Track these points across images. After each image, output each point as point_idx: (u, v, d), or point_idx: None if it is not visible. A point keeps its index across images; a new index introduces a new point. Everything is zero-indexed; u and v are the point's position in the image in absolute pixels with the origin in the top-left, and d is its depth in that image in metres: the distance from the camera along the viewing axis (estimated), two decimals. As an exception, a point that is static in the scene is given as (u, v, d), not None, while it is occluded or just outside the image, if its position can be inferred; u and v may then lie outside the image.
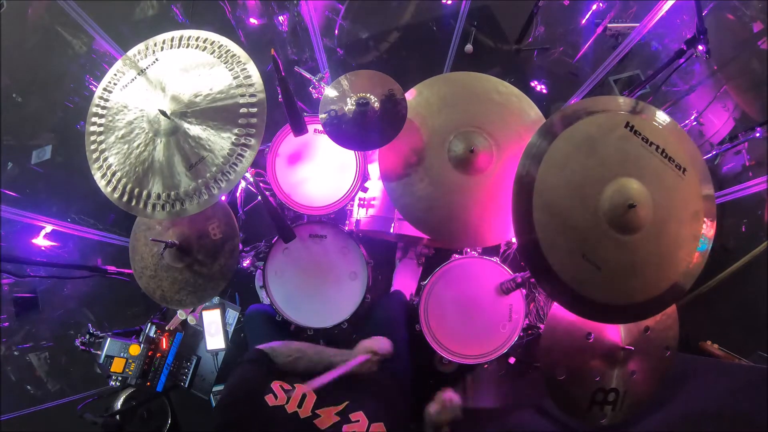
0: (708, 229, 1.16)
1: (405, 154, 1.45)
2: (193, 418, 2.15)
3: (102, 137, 1.39)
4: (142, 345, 1.83)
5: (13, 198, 2.68)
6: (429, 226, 1.44)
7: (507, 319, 1.67)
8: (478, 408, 2.05)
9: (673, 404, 1.45)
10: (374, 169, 1.76)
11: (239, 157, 1.28)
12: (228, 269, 1.52)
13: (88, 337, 1.83)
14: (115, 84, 1.43)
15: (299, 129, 1.46)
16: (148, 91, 1.39)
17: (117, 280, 1.97)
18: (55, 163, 2.78)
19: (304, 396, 1.03)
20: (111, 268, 1.92)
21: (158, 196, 1.32)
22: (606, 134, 1.16)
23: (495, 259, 1.72)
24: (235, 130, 1.29)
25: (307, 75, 1.72)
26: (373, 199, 1.82)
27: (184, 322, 1.96)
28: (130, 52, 1.46)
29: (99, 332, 1.85)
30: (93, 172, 1.38)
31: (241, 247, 1.73)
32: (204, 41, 1.41)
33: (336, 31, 2.73)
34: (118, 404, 2.00)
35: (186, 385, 1.89)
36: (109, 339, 1.82)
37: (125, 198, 1.34)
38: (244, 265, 2.01)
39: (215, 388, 1.93)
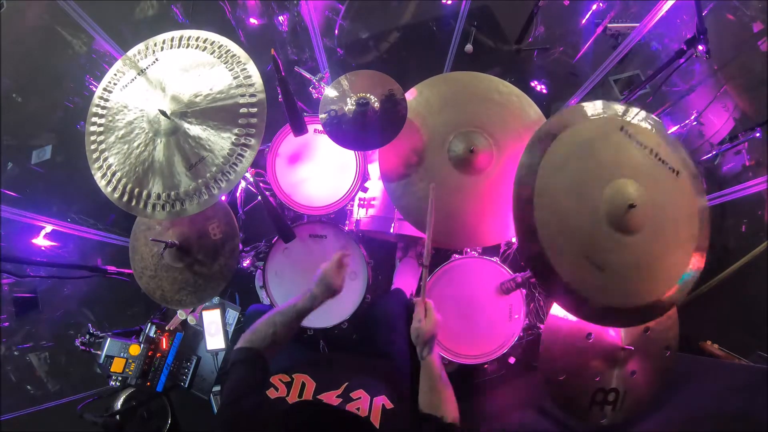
0: (696, 262, 1.17)
1: (405, 154, 1.45)
2: (193, 418, 2.14)
3: (102, 137, 1.39)
4: (142, 345, 1.82)
5: (13, 198, 2.67)
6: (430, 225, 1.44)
7: (507, 319, 1.67)
8: (478, 408, 2.05)
9: (673, 404, 1.45)
10: (374, 169, 1.76)
11: (239, 157, 1.28)
12: (228, 269, 1.52)
13: (88, 337, 1.83)
14: (115, 84, 1.43)
15: (299, 129, 1.46)
16: (148, 91, 1.39)
17: (117, 280, 1.97)
18: (55, 163, 2.78)
19: (303, 385, 1.03)
20: (111, 268, 1.92)
21: (158, 196, 1.32)
22: (602, 137, 1.18)
23: (495, 259, 1.72)
24: (235, 130, 1.29)
25: (307, 75, 1.72)
26: (373, 199, 1.82)
27: (184, 322, 1.96)
28: (130, 52, 1.46)
29: (99, 332, 1.85)
30: (93, 172, 1.38)
31: (241, 247, 1.73)
32: (204, 41, 1.41)
33: (336, 31, 2.73)
34: (118, 404, 2.00)
35: (186, 385, 1.89)
36: (109, 339, 1.82)
37: (125, 198, 1.34)
38: (244, 265, 2.01)
39: (215, 388, 1.92)
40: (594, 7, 2.61)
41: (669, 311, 1.33)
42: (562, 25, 2.68)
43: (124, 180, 1.34)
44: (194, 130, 1.32)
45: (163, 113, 1.30)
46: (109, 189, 1.36)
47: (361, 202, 1.84)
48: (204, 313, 1.93)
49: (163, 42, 1.44)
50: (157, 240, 1.48)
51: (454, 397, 1.10)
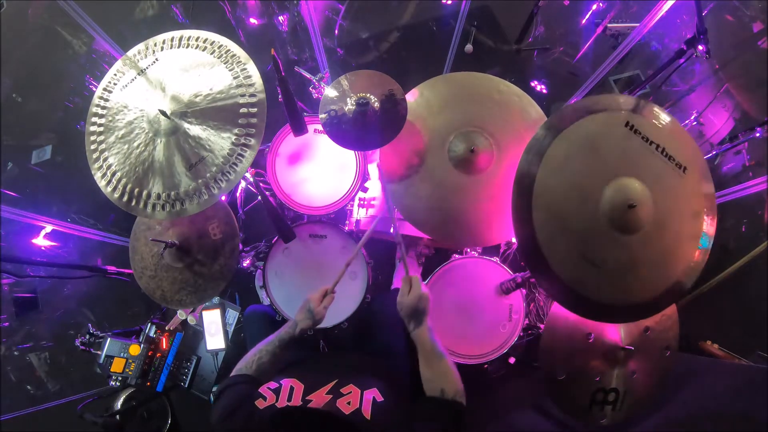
0: (709, 227, 1.16)
1: (406, 155, 1.45)
2: (193, 418, 2.15)
3: (102, 137, 1.39)
4: (142, 345, 1.82)
5: (13, 198, 2.67)
6: (429, 226, 1.44)
7: (507, 319, 1.67)
8: (478, 408, 2.05)
9: (673, 404, 1.45)
10: (374, 169, 1.76)
11: (239, 157, 1.28)
12: (228, 269, 1.52)
13: (88, 337, 1.83)
14: (115, 84, 1.43)
15: (299, 129, 1.46)
16: (148, 91, 1.39)
17: (117, 280, 1.97)
18: (55, 163, 2.78)
19: (292, 388, 1.03)
20: (111, 268, 1.92)
21: (158, 196, 1.32)
22: (606, 134, 1.16)
23: (495, 259, 1.72)
24: (235, 130, 1.29)
25: (307, 75, 1.72)
26: (373, 199, 1.82)
27: (184, 322, 1.96)
28: (130, 52, 1.46)
29: (99, 332, 1.85)
30: (93, 172, 1.38)
31: (241, 247, 1.73)
32: (204, 41, 1.41)
33: (336, 31, 2.73)
34: (118, 404, 2.00)
35: (186, 385, 1.89)
36: (109, 339, 1.82)
37: (125, 198, 1.34)
38: (244, 265, 2.01)
39: (215, 388, 1.92)
40: (594, 7, 2.61)
41: (667, 310, 1.34)
42: (562, 25, 2.68)
43: (124, 180, 1.34)
44: (194, 130, 1.32)
45: (163, 113, 1.30)
46: (109, 189, 1.36)
47: (361, 202, 1.84)
48: (204, 313, 1.93)
49: (163, 42, 1.44)
50: (157, 240, 1.48)
51: (454, 370, 1.09)
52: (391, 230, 1.22)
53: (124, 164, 1.35)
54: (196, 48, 1.41)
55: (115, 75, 1.45)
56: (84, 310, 2.54)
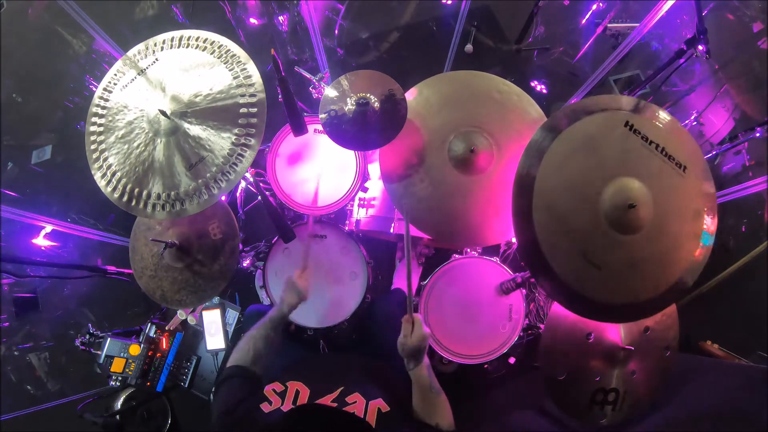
0: (710, 225, 1.16)
1: (405, 154, 1.45)
2: (193, 418, 2.15)
3: (102, 137, 1.39)
4: (142, 345, 1.82)
5: (13, 198, 2.67)
6: (430, 226, 1.44)
7: (507, 319, 1.67)
8: (478, 408, 2.05)
9: (673, 404, 1.45)
10: (374, 169, 1.76)
11: (239, 157, 1.28)
12: (228, 269, 1.52)
13: (88, 337, 1.83)
14: (115, 84, 1.43)
15: (299, 129, 1.46)
16: (148, 91, 1.39)
17: (117, 280, 1.97)
18: (55, 163, 2.78)
19: (297, 392, 1.03)
20: (111, 268, 1.92)
21: (158, 196, 1.32)
22: (606, 134, 1.16)
23: (495, 259, 1.72)
24: (235, 130, 1.29)
25: (307, 75, 1.72)
26: (373, 199, 1.82)
27: (184, 322, 1.96)
28: (130, 52, 1.46)
29: (99, 332, 1.85)
30: (93, 172, 1.38)
31: (241, 247, 1.73)
32: (204, 41, 1.41)
33: (336, 31, 2.73)
34: (118, 404, 2.00)
35: (186, 385, 1.89)
36: (109, 339, 1.82)
37: (125, 198, 1.34)
38: (244, 265, 2.01)
39: (212, 407, 1.93)
40: (594, 7, 2.61)
41: (667, 310, 1.34)
42: (562, 25, 2.68)
43: (124, 180, 1.34)
44: (194, 130, 1.32)
45: (163, 113, 1.30)
46: (109, 189, 1.36)
47: (361, 202, 1.84)
48: (204, 313, 1.93)
49: (163, 42, 1.44)
50: (157, 240, 1.48)
51: (447, 404, 1.12)
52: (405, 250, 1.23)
53: (124, 164, 1.35)
54: (196, 48, 1.41)
55: (115, 75, 1.44)
56: (84, 310, 2.54)
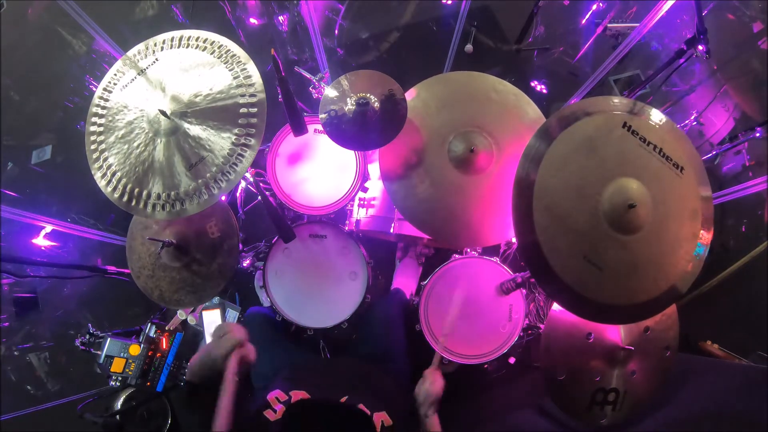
0: (705, 236, 1.16)
1: (405, 155, 1.45)
2: (193, 418, 2.14)
3: (102, 137, 1.39)
4: (142, 345, 1.82)
5: (13, 198, 2.67)
6: (430, 226, 1.44)
7: (507, 319, 1.67)
8: (478, 408, 2.05)
9: (673, 404, 1.45)
10: (374, 169, 1.76)
11: (239, 157, 1.28)
12: (227, 268, 1.52)
13: (88, 337, 1.83)
14: (115, 84, 1.43)
15: (299, 129, 1.46)
16: (148, 91, 1.39)
17: (117, 280, 1.97)
18: (55, 163, 2.78)
19: (301, 401, 1.02)
20: (111, 268, 1.92)
21: (158, 196, 1.32)
22: (604, 135, 1.17)
23: (495, 259, 1.72)
24: (235, 130, 1.29)
25: (307, 75, 1.72)
26: (373, 199, 1.82)
27: (184, 322, 1.96)
28: (130, 52, 1.46)
29: (99, 332, 1.84)
30: (93, 172, 1.38)
31: (240, 247, 1.73)
32: (204, 41, 1.41)
33: (336, 31, 2.73)
34: (118, 404, 2.00)
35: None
36: (109, 339, 1.81)
37: (125, 198, 1.34)
38: (244, 265, 2.01)
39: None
40: (594, 7, 2.61)
41: (667, 310, 1.34)
42: (562, 25, 2.68)
43: (124, 180, 1.34)
44: (194, 130, 1.32)
45: (163, 113, 1.30)
46: (110, 189, 1.36)
47: (361, 202, 1.84)
48: (204, 313, 1.93)
49: (163, 42, 1.44)
50: (155, 239, 1.48)
51: None
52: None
53: (124, 164, 1.35)
54: (196, 48, 1.41)
55: (115, 75, 1.44)
56: (84, 310, 2.53)
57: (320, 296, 1.73)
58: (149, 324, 1.89)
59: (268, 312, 1.74)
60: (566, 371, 1.31)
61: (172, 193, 1.30)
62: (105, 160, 1.37)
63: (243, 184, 2.06)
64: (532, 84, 2.58)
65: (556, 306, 1.33)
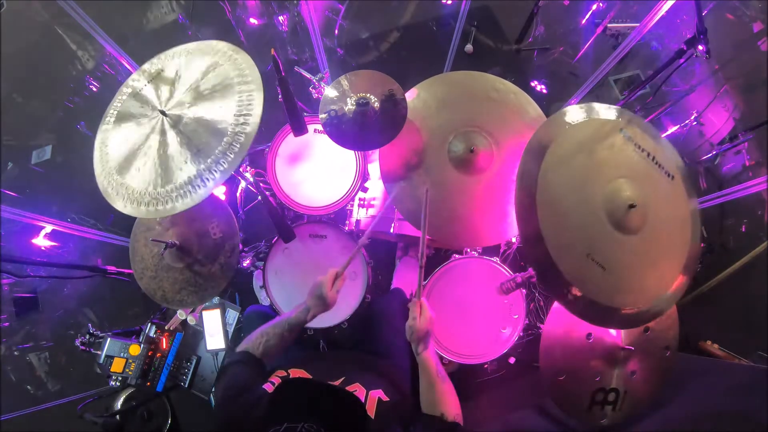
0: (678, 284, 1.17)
1: (405, 155, 1.45)
2: (193, 418, 2.14)
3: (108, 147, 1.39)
4: (142, 345, 1.82)
5: (13, 198, 2.67)
6: (430, 226, 1.44)
7: (507, 319, 1.67)
8: (478, 408, 2.05)
9: (673, 404, 1.45)
10: (374, 169, 1.76)
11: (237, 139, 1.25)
12: (228, 268, 1.52)
13: (88, 337, 1.83)
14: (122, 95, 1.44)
15: (299, 129, 1.46)
16: (151, 93, 1.39)
17: (117, 281, 1.97)
18: (55, 163, 2.78)
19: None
20: (111, 268, 1.92)
21: (157, 195, 1.31)
22: (603, 138, 1.18)
23: (495, 259, 1.72)
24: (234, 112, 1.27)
25: (307, 75, 1.72)
26: (373, 199, 1.82)
27: (184, 322, 1.95)
28: (145, 66, 1.46)
29: (99, 332, 1.85)
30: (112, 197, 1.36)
31: (241, 247, 1.73)
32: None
33: (336, 31, 2.73)
34: (118, 404, 2.00)
35: (186, 385, 1.89)
36: (109, 339, 1.81)
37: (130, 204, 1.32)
38: (244, 265, 2.01)
39: (215, 388, 1.93)
40: (594, 7, 2.62)
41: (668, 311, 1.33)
42: (562, 25, 2.68)
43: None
44: (191, 125, 1.30)
45: (163, 113, 1.30)
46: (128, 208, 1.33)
47: (361, 202, 1.84)
48: (204, 313, 1.93)
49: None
50: (158, 240, 1.48)
51: (454, 393, 1.12)
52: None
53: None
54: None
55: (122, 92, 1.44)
56: (84, 310, 2.54)
57: (320, 296, 1.73)
58: (149, 324, 1.89)
59: (268, 311, 1.74)
60: (566, 371, 1.31)
61: (169, 187, 1.28)
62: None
63: (243, 184, 2.06)
64: (532, 84, 2.58)
65: (556, 306, 1.33)
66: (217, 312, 1.93)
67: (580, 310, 1.14)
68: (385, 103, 1.40)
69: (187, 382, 1.89)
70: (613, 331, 1.33)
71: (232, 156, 1.23)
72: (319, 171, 1.79)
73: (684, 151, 2.37)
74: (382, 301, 1.74)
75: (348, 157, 1.77)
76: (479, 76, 1.52)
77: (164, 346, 1.88)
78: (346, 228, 1.81)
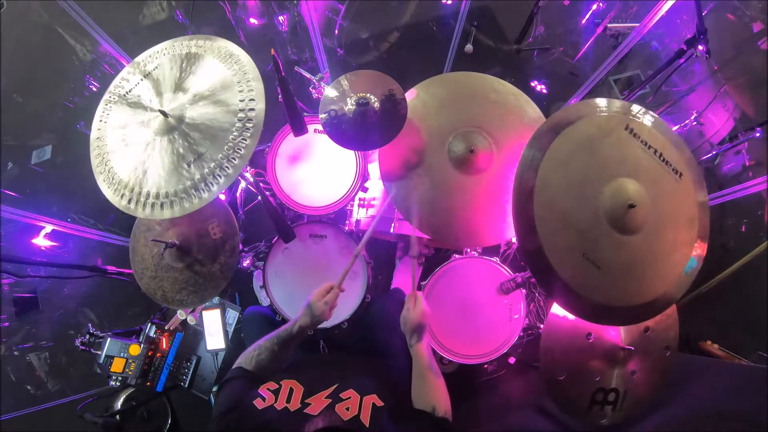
0: (698, 249, 1.17)
1: (405, 155, 1.45)
2: (193, 418, 2.15)
3: (103, 142, 1.39)
4: (142, 345, 1.82)
5: (13, 198, 2.67)
6: (430, 226, 1.44)
7: (507, 319, 1.67)
8: (478, 408, 2.06)
9: (673, 404, 1.45)
10: (374, 169, 1.76)
11: (237, 152, 1.27)
12: (228, 268, 1.52)
13: (88, 337, 1.83)
14: (118, 88, 1.44)
15: (299, 129, 1.46)
16: (149, 92, 1.39)
17: (117, 281, 1.97)
18: (55, 163, 2.78)
19: (291, 390, 1.02)
20: (111, 268, 1.92)
21: (157, 196, 1.31)
22: (606, 135, 1.17)
23: (495, 259, 1.72)
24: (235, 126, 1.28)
25: (307, 75, 1.72)
26: (373, 199, 1.82)
27: (184, 322, 1.96)
28: (138, 58, 1.47)
29: (99, 332, 1.85)
30: (97, 178, 1.38)
31: (241, 247, 1.73)
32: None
33: (336, 31, 2.73)
34: (118, 404, 2.00)
35: (186, 385, 1.89)
36: (109, 339, 1.82)
37: (126, 201, 1.33)
38: (244, 265, 2.01)
39: (215, 388, 1.92)
40: (594, 7, 2.62)
41: (668, 310, 1.34)
42: (562, 25, 2.68)
43: (126, 183, 1.34)
44: (193, 128, 1.31)
45: (163, 113, 1.30)
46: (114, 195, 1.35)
47: (361, 202, 1.84)
48: (204, 313, 1.93)
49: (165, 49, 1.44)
50: (158, 240, 1.48)
51: (445, 388, 1.12)
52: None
53: (126, 166, 1.35)
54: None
55: (119, 82, 1.45)
56: (84, 310, 2.54)
57: (320, 296, 1.73)
58: (149, 324, 1.89)
59: (268, 311, 1.74)
60: (566, 371, 1.31)
61: (171, 190, 1.30)
62: (107, 164, 1.37)
63: (243, 183, 2.06)
64: (532, 84, 2.58)
65: (556, 306, 1.33)
66: (217, 312, 1.93)
67: (578, 309, 1.15)
68: (385, 103, 1.39)
69: (187, 382, 1.89)
70: (612, 332, 1.33)
71: (236, 161, 1.26)
72: (319, 171, 1.79)
73: (684, 151, 2.36)
74: (381, 302, 1.74)
75: (348, 157, 1.77)
76: (479, 76, 1.52)
77: (164, 346, 1.88)
78: (346, 228, 1.81)
